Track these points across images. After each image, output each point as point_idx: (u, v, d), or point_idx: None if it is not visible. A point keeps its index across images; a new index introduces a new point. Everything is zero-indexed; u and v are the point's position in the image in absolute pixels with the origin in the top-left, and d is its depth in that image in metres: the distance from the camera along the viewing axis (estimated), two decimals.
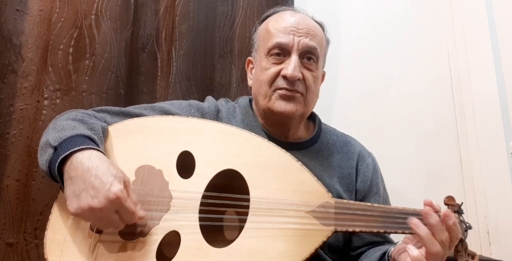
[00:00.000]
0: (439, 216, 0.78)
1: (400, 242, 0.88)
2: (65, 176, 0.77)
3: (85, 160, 0.76)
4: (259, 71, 1.02)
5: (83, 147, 0.78)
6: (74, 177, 0.75)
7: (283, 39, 0.98)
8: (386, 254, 0.89)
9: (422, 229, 0.78)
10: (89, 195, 0.73)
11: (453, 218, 0.78)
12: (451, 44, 1.69)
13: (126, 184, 0.76)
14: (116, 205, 0.74)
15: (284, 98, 0.97)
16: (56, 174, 0.79)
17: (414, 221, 0.79)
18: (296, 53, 0.98)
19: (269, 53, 1.00)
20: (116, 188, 0.73)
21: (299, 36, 0.99)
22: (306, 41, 0.99)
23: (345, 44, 1.60)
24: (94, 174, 0.74)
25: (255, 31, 1.10)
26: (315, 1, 1.59)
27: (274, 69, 0.99)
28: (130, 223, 0.77)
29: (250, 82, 1.09)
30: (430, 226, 0.77)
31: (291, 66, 0.96)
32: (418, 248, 0.78)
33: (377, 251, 0.95)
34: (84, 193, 0.73)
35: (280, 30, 1.00)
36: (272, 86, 0.99)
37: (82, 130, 0.83)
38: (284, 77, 0.97)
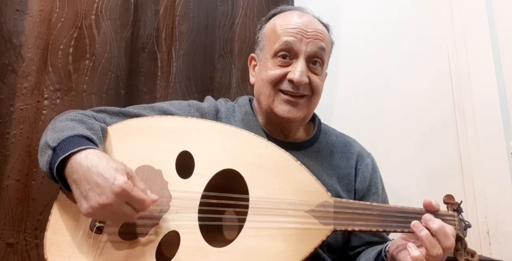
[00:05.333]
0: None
1: (397, 238, 0.87)
2: (69, 180, 0.78)
3: (83, 161, 0.76)
4: (263, 71, 1.00)
5: (81, 148, 0.78)
6: (77, 180, 0.76)
7: (290, 40, 0.96)
8: (383, 250, 0.89)
9: (422, 232, 0.78)
10: (96, 194, 0.73)
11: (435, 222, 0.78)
12: (451, 44, 1.69)
13: (129, 174, 0.77)
14: (124, 197, 0.74)
15: (288, 103, 0.96)
16: (56, 175, 0.79)
17: (414, 223, 0.79)
18: (303, 57, 0.96)
19: (276, 55, 0.98)
20: (120, 180, 0.73)
21: (308, 39, 0.96)
22: (314, 45, 0.97)
23: (345, 44, 1.59)
24: (96, 172, 0.74)
25: (260, 29, 1.07)
26: (315, 0, 1.59)
27: (280, 71, 0.97)
28: (144, 210, 0.77)
29: (252, 80, 1.08)
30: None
31: (298, 70, 0.94)
32: (418, 246, 0.78)
33: (374, 249, 0.95)
34: (91, 192, 0.74)
35: (288, 31, 0.97)
36: (275, 87, 0.97)
37: (81, 130, 0.83)
38: (290, 81, 0.96)
